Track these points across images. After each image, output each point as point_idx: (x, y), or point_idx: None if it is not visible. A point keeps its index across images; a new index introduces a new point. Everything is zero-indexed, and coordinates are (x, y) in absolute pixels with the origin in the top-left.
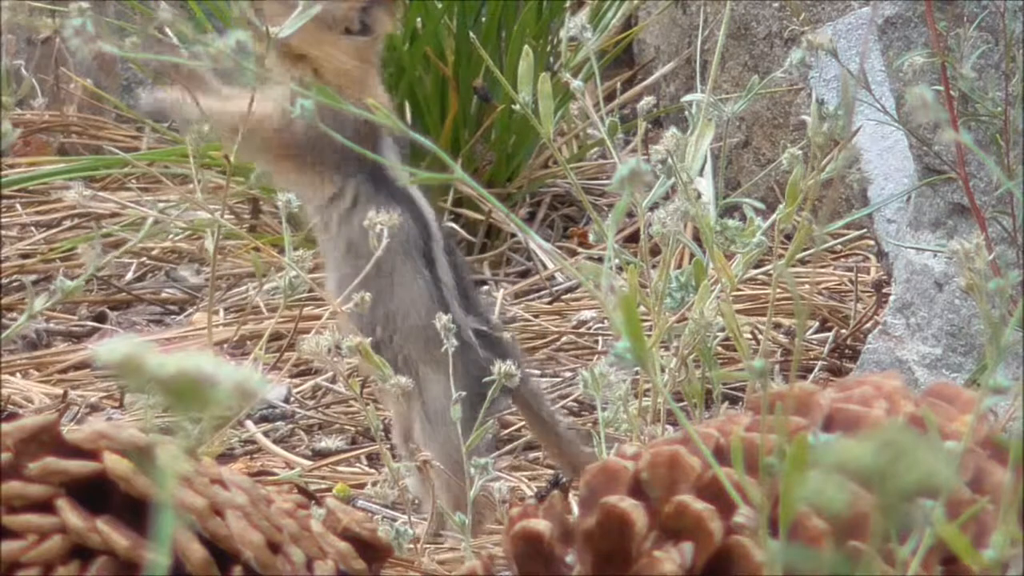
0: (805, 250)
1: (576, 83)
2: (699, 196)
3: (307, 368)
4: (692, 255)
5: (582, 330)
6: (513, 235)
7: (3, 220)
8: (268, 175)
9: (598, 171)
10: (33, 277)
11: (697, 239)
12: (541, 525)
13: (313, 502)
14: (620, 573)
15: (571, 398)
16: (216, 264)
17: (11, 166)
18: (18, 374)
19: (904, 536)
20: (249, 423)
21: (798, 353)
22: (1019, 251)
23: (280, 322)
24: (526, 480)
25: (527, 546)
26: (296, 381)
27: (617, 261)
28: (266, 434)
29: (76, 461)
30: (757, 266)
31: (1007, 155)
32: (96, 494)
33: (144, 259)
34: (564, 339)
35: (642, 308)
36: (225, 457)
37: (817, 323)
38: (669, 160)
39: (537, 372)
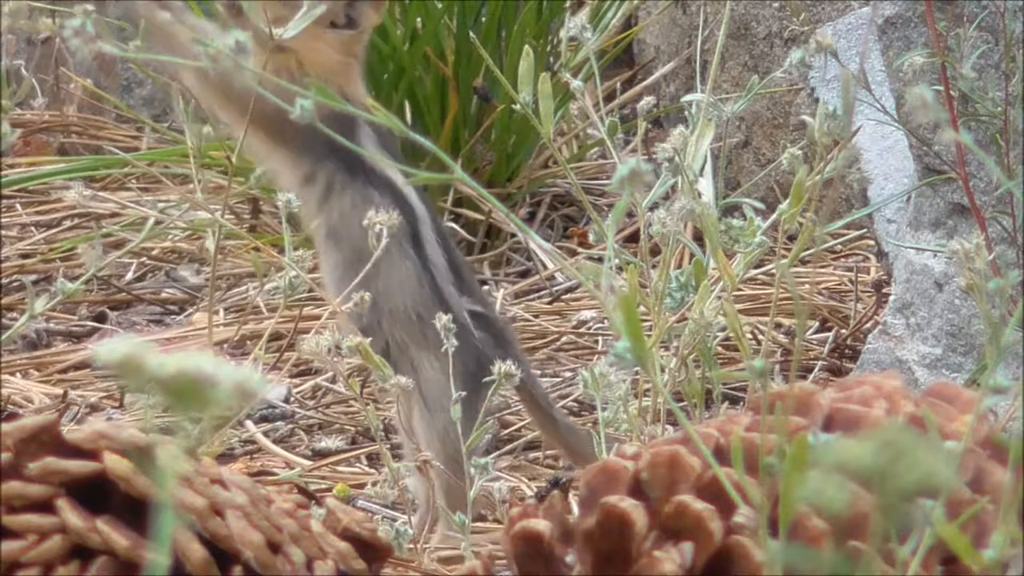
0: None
1: (576, 83)
2: (699, 196)
3: (307, 368)
4: (692, 255)
5: (582, 330)
6: (513, 235)
7: (3, 220)
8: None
9: (598, 171)
10: (33, 277)
11: (697, 239)
12: (541, 525)
13: (313, 502)
14: (620, 573)
15: (571, 398)
16: (216, 264)
17: (11, 166)
18: (18, 374)
19: (904, 536)
20: (249, 423)
21: (798, 353)
22: (1019, 251)
23: (280, 322)
24: (526, 480)
25: (527, 546)
26: (296, 381)
27: (617, 261)
28: (266, 434)
29: (76, 461)
30: (757, 266)
31: (1007, 155)
32: (96, 494)
33: (144, 259)
34: (564, 339)
35: (642, 308)
36: (225, 457)
37: (817, 323)
38: (676, 158)
39: (537, 372)
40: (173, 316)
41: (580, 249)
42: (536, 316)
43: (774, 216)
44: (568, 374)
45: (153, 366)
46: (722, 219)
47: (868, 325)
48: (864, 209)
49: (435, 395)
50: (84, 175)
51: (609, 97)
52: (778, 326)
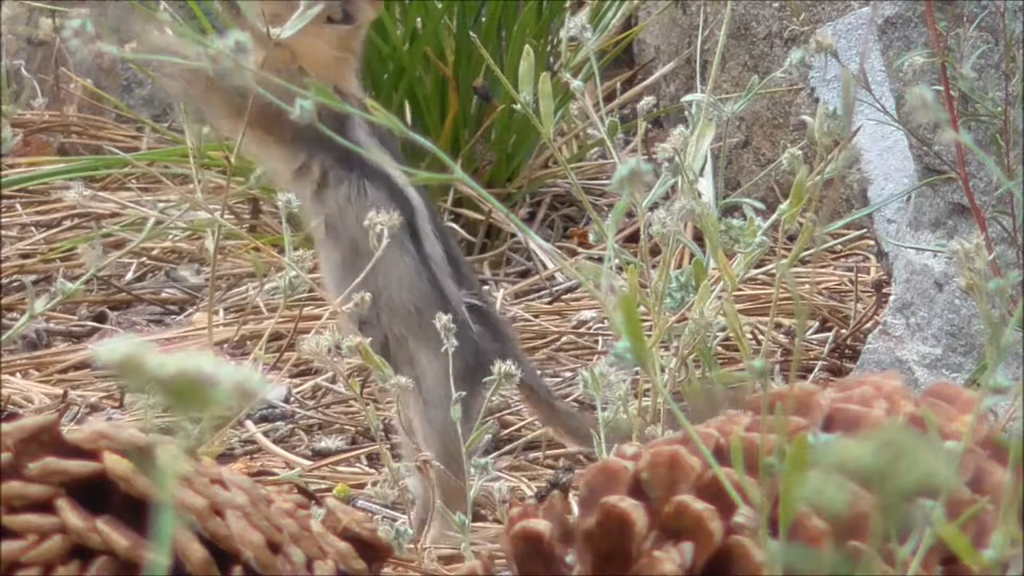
0: (805, 250)
1: (576, 83)
2: (699, 196)
3: (307, 368)
4: (692, 255)
5: (582, 330)
6: (513, 235)
7: (3, 220)
8: (246, 142)
9: (598, 171)
10: (33, 277)
11: (697, 239)
12: (541, 525)
13: (313, 502)
14: (620, 573)
15: (571, 398)
16: (216, 264)
17: (11, 166)
18: (18, 374)
19: (904, 536)
20: (249, 423)
21: (798, 353)
22: (1019, 251)
23: (280, 322)
24: (526, 480)
25: (527, 546)
26: (296, 381)
27: (617, 261)
28: (266, 434)
29: (76, 461)
30: (757, 266)
31: (1007, 155)
32: (96, 494)
33: (144, 259)
34: (564, 339)
35: (642, 308)
36: (225, 457)
37: (817, 323)
38: (676, 158)
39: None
40: (173, 316)
41: (580, 249)
42: (536, 316)
43: (774, 216)
44: (568, 374)
45: (153, 366)
46: (722, 219)
47: (868, 325)
48: (864, 209)
49: (432, 390)
50: (84, 175)
51: (609, 97)
52: (778, 326)
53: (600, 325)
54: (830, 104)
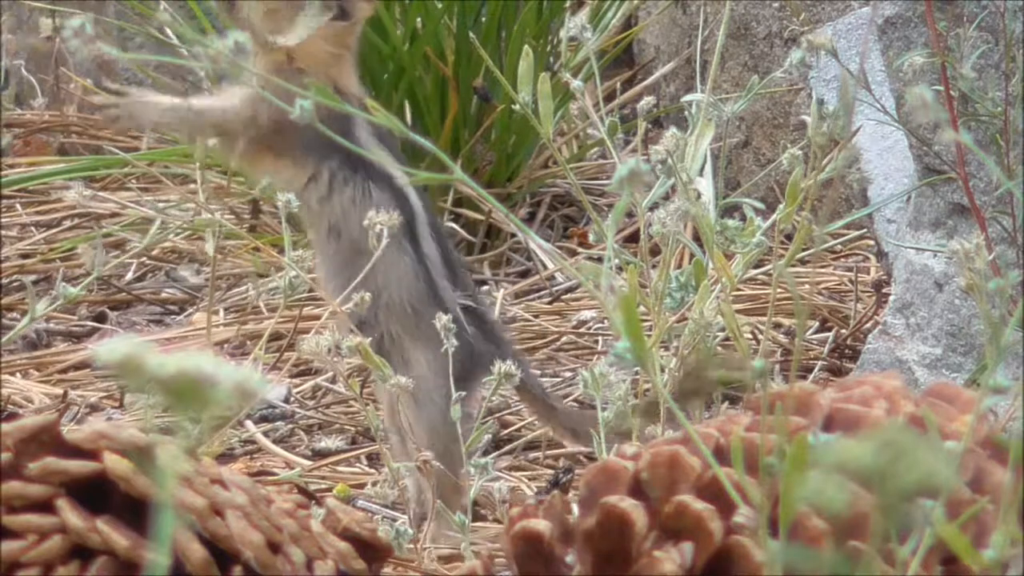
0: (805, 250)
1: (576, 83)
2: (699, 196)
3: (307, 368)
4: (692, 255)
5: (582, 330)
6: (513, 235)
7: (3, 220)
8: (250, 167)
9: (598, 171)
10: (33, 277)
11: (697, 239)
12: (541, 525)
13: (313, 502)
14: (620, 573)
15: (571, 398)
16: (216, 264)
17: (11, 166)
18: (18, 374)
19: (904, 536)
20: (249, 423)
21: (798, 353)
22: (1019, 251)
23: (280, 322)
24: (526, 480)
25: (527, 546)
26: (296, 381)
27: (617, 261)
28: (266, 434)
29: (76, 461)
30: (757, 266)
31: (1007, 155)
32: (96, 494)
33: (144, 259)
34: (564, 339)
35: (642, 308)
36: (225, 457)
37: (817, 323)
38: (669, 160)
39: (537, 372)
40: (173, 316)
41: (580, 249)
42: (536, 316)
43: (774, 216)
44: (568, 374)
45: (153, 366)
46: (718, 220)
47: (868, 325)
48: (864, 209)
49: (426, 388)
50: (84, 175)
51: (609, 97)
52: (778, 326)
53: (600, 325)
54: (830, 104)
